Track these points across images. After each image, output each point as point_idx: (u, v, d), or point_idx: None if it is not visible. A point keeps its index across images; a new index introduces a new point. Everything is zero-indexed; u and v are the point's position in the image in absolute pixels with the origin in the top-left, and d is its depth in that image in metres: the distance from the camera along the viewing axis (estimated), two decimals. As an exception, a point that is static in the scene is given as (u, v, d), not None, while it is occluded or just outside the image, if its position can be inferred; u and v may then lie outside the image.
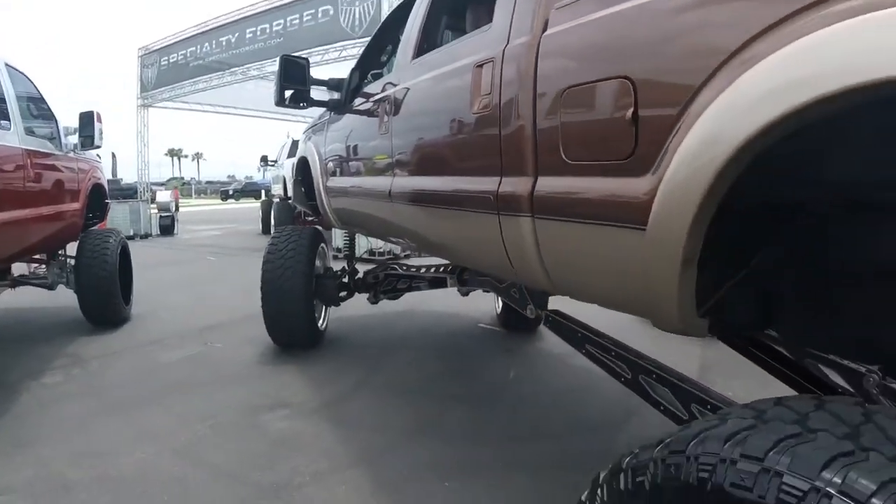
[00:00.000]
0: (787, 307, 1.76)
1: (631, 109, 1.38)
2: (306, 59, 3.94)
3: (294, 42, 13.09)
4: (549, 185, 1.72)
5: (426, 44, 2.93)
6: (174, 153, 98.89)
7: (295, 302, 4.71)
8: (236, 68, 15.14)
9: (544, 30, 1.76)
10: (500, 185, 1.94)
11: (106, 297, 5.63)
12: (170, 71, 17.26)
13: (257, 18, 14.20)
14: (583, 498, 1.22)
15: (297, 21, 13.19)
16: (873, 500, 0.76)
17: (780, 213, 1.56)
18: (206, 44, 15.79)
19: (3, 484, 2.75)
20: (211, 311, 6.48)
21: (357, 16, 11.83)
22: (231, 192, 44.09)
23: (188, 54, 16.37)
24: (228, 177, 66.95)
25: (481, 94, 2.05)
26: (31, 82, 5.23)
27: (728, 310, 1.65)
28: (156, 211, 17.53)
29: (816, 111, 0.98)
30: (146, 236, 16.06)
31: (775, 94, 1.05)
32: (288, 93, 3.78)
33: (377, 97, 3.30)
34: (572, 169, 1.61)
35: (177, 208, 21.44)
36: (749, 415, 1.03)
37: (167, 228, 16.86)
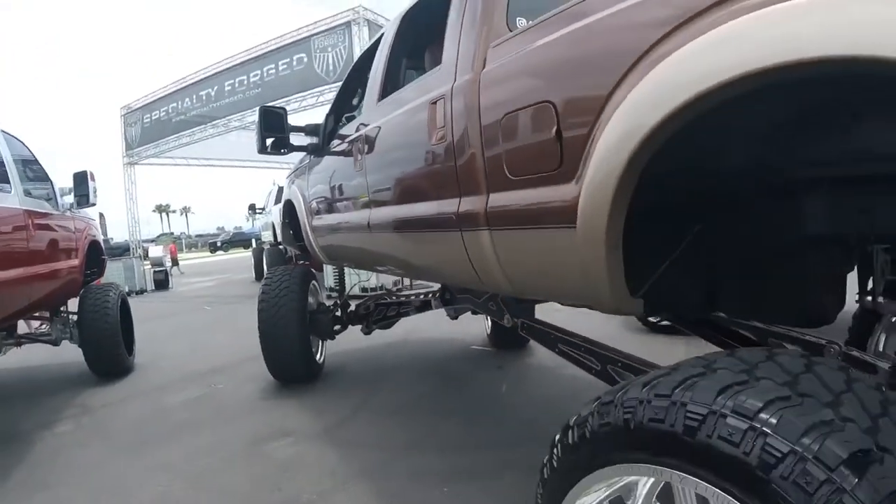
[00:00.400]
0: (725, 287, 2.00)
1: (555, 128, 1.64)
2: (284, 109, 4.20)
3: (272, 91, 13.51)
4: (499, 199, 1.97)
5: (389, 86, 3.21)
6: (162, 209, 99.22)
7: (291, 338, 4.92)
8: (218, 121, 15.49)
9: (483, 66, 2.04)
10: (459, 205, 2.19)
11: (110, 349, 5.81)
12: (153, 128, 17.61)
13: (234, 71, 14.60)
14: (544, 461, 1.44)
15: (274, 70, 13.60)
16: (760, 415, 0.97)
17: (706, 200, 1.80)
18: (187, 99, 16.17)
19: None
20: (211, 357, 6.66)
21: (330, 61, 12.23)
22: (220, 244, 44.40)
23: (170, 110, 16.73)
24: (217, 228, 67.33)
25: (437, 128, 2.31)
26: (26, 147, 5.49)
27: (670, 292, 1.89)
28: (149, 267, 17.73)
29: (693, 108, 1.23)
30: (142, 292, 16.20)
31: (656, 101, 1.30)
32: (269, 141, 4.03)
33: (351, 138, 3.57)
34: (516, 184, 1.86)
35: (175, 263, 21.74)
36: (668, 368, 1.26)
37: (162, 283, 17.03)
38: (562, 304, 2.37)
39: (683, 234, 1.85)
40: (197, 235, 73.28)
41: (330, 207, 4.24)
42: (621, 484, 1.27)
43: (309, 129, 4.35)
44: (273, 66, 13.59)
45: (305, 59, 12.85)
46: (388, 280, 10.03)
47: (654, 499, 1.26)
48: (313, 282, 5.39)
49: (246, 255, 26.50)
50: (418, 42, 3.13)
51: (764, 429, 0.95)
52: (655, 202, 1.58)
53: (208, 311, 11.69)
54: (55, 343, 6.00)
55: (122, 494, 3.18)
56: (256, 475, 3.32)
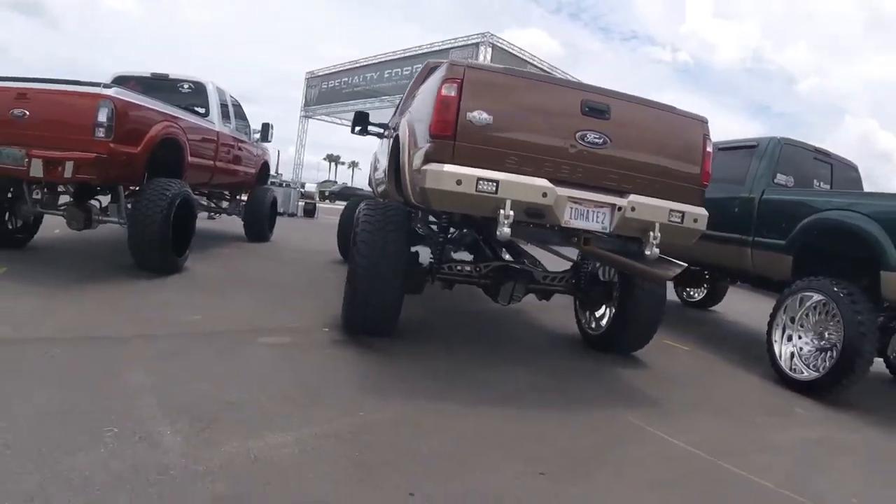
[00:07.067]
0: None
1: (399, 164, 5.47)
2: (367, 112, 8.11)
3: (416, 84, 17.60)
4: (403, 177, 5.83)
5: (398, 113, 7.05)
6: (332, 158, 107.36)
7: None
8: (376, 98, 19.95)
9: (395, 129, 5.88)
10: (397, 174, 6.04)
11: (260, 224, 10.15)
12: (328, 93, 22.53)
13: (393, 63, 19.09)
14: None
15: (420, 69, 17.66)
16: (361, 222, 4.72)
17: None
18: (357, 76, 20.88)
19: (210, 272, 7.18)
20: (317, 248, 10.98)
21: (458, 71, 16.10)
22: (327, 194, 45.11)
23: (342, 83, 21.53)
24: (376, 185, 72.44)
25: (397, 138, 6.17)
26: (235, 98, 9.62)
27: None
28: (302, 203, 22.61)
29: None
30: (293, 215, 21.05)
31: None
32: (357, 129, 7.96)
33: (386, 132, 7.45)
34: (393, 177, 5.70)
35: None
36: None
37: (310, 212, 21.75)
38: None
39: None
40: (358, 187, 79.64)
41: (376, 167, 8.17)
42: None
43: (379, 125, 8.28)
44: (420, 65, 17.64)
45: (444, 66, 16.79)
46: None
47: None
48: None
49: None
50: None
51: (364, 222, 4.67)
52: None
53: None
54: (229, 214, 10.41)
55: (264, 270, 7.37)
56: (313, 276, 7.45)
